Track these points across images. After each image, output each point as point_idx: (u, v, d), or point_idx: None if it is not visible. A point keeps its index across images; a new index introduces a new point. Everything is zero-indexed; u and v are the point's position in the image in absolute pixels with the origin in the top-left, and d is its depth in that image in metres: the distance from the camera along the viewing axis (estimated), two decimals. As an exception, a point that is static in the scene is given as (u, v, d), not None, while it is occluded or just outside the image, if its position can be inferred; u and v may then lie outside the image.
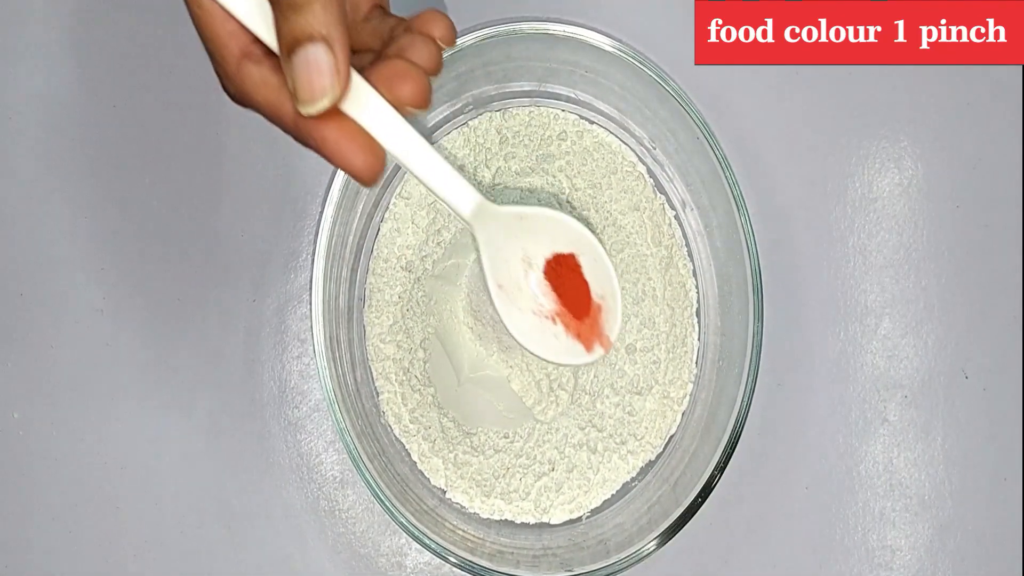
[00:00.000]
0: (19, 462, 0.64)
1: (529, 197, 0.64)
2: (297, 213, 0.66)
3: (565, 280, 0.46)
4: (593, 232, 0.46)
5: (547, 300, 0.46)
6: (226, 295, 0.65)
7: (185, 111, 0.66)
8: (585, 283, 0.47)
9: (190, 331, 0.65)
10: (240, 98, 0.39)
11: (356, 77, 0.38)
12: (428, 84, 0.39)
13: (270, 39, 0.37)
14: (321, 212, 0.59)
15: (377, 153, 0.38)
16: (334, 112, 0.37)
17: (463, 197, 0.42)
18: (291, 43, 0.36)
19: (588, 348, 0.47)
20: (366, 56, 0.42)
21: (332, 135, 0.37)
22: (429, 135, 0.64)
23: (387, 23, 0.43)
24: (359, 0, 0.44)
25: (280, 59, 0.37)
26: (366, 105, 0.38)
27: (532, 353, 0.46)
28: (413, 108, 0.39)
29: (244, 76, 0.37)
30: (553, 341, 0.46)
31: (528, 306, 0.45)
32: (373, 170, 0.38)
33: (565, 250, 0.46)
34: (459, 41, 0.59)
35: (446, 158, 0.42)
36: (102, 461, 0.64)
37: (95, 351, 0.65)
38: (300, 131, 0.37)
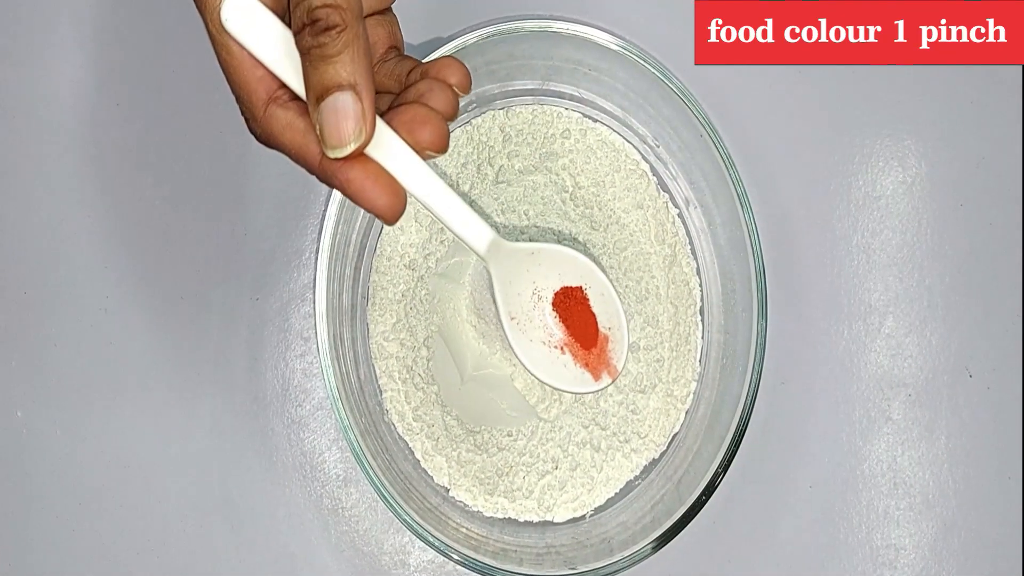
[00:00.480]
0: (22, 461, 0.64)
1: (532, 195, 0.64)
2: (300, 211, 0.66)
3: (573, 312, 0.49)
4: (600, 268, 0.50)
5: (556, 330, 0.49)
6: (229, 294, 0.65)
7: (188, 110, 0.66)
8: (592, 315, 0.49)
9: (193, 330, 0.65)
10: (267, 139, 0.40)
11: (379, 122, 0.39)
12: (447, 129, 0.41)
13: (297, 85, 0.39)
14: (324, 210, 0.59)
15: (399, 194, 0.39)
16: (358, 155, 0.38)
17: (479, 235, 0.45)
18: (320, 91, 0.37)
19: (596, 377, 0.50)
20: (384, 98, 0.43)
21: (357, 177, 0.39)
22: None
23: (404, 65, 0.45)
24: (375, 41, 0.45)
25: (308, 105, 0.38)
26: (389, 149, 0.39)
27: (543, 382, 0.49)
28: (432, 152, 0.40)
29: (271, 120, 0.39)
30: (562, 370, 0.49)
31: (539, 336, 0.49)
32: (395, 210, 0.39)
33: (573, 283, 0.49)
34: (462, 39, 0.59)
35: (463, 198, 0.44)
36: (105, 460, 0.64)
37: (98, 350, 0.65)
38: (325, 173, 0.39)
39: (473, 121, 0.64)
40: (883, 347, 0.66)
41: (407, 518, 0.57)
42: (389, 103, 0.43)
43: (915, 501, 0.65)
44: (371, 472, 0.57)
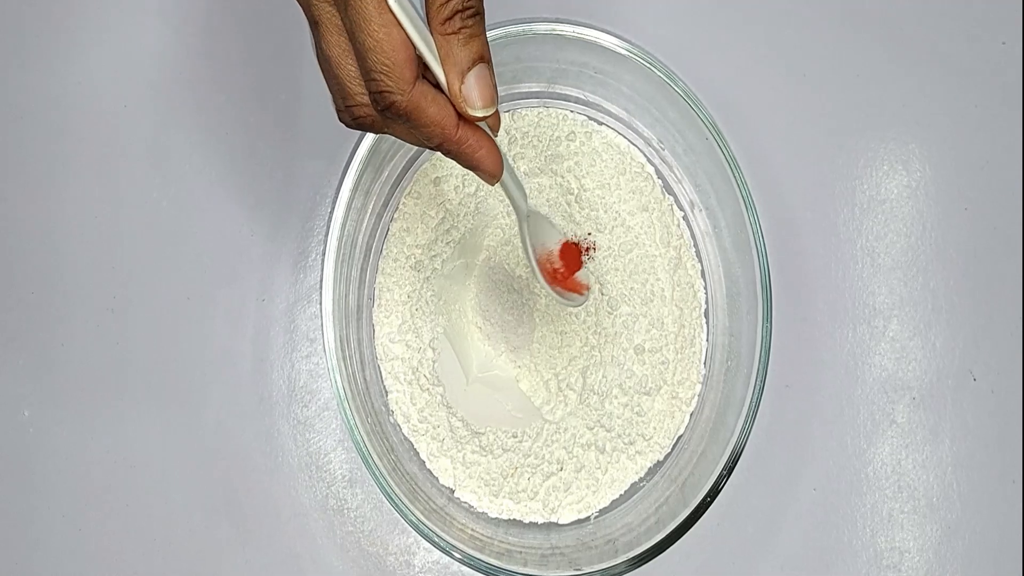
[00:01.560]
0: (28, 461, 0.64)
1: (537, 197, 0.64)
2: (306, 213, 0.66)
3: (568, 260, 0.59)
4: (555, 228, 0.59)
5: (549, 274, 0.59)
6: (235, 295, 0.65)
7: (194, 111, 0.66)
8: (573, 262, 0.59)
9: (199, 330, 0.65)
10: (410, 112, 0.44)
11: None
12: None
13: (433, 63, 0.44)
14: (331, 212, 0.59)
15: (502, 160, 0.48)
16: (479, 129, 0.46)
17: (525, 201, 0.54)
18: (469, 64, 0.44)
19: (581, 294, 0.59)
20: None
21: (486, 144, 0.46)
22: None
23: None
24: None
25: (449, 78, 0.44)
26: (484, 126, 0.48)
27: (558, 300, 0.57)
28: (494, 133, 0.48)
29: (420, 93, 0.44)
30: (564, 292, 0.58)
31: (542, 276, 0.57)
32: (502, 172, 0.48)
33: (551, 237, 0.58)
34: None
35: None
36: (111, 460, 0.64)
37: (105, 350, 0.65)
38: (461, 140, 0.46)
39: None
40: (887, 350, 0.66)
41: (413, 518, 0.57)
42: None
43: (919, 504, 0.65)
44: (377, 473, 0.57)
